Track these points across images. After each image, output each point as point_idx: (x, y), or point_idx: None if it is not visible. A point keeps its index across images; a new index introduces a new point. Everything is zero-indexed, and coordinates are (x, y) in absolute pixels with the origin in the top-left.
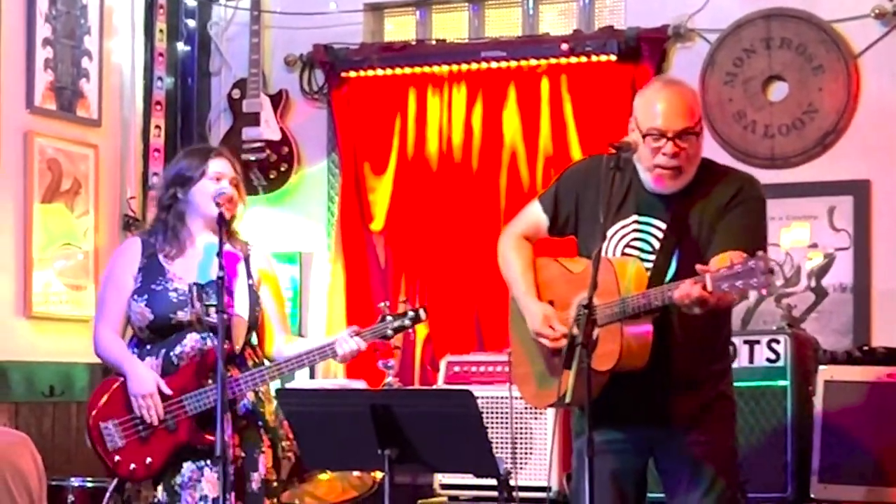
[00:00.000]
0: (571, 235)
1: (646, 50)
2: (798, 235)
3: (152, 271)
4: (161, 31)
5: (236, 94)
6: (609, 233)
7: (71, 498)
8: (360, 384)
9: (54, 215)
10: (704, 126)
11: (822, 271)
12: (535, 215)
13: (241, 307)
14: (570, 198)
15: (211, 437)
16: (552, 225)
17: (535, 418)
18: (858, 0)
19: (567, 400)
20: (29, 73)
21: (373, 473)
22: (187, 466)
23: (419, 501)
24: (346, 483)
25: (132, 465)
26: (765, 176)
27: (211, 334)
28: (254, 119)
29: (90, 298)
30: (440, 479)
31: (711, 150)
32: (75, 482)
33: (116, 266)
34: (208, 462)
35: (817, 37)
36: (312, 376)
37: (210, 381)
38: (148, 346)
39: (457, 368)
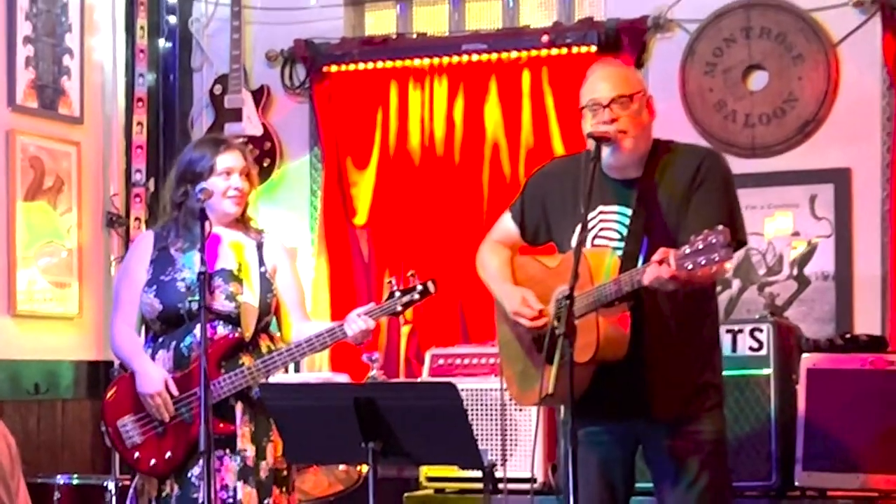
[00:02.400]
0: (549, 241)
1: (626, 41)
2: (780, 224)
3: (163, 263)
4: (142, 27)
5: (218, 89)
6: (578, 228)
7: (57, 495)
8: (343, 378)
9: (37, 213)
10: (650, 102)
11: (804, 260)
12: (506, 226)
13: (250, 294)
14: (537, 205)
15: (229, 427)
16: (523, 233)
17: (520, 410)
18: None
19: (550, 391)
20: (10, 71)
21: (358, 467)
22: None
23: (405, 495)
24: (332, 477)
25: (152, 461)
26: (746, 165)
27: (221, 322)
28: (236, 115)
29: (74, 296)
30: (426, 471)
31: (692, 139)
32: (61, 480)
33: (129, 261)
34: (228, 451)
35: (796, 25)
36: (297, 370)
37: (223, 371)
38: (160, 339)
39: (441, 361)
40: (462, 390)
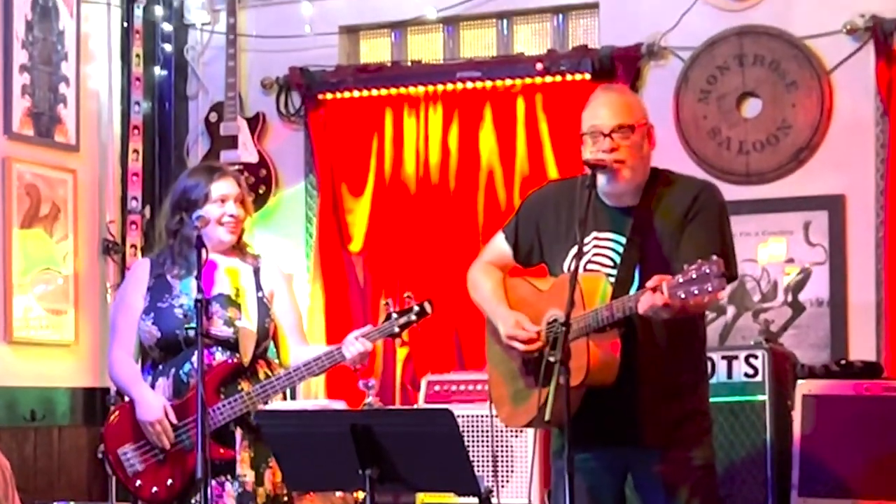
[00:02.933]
0: (541, 263)
1: (620, 68)
2: (774, 251)
3: (160, 290)
4: (137, 55)
5: (213, 117)
6: (572, 252)
7: None
8: (340, 405)
9: (34, 240)
10: (651, 132)
11: (799, 286)
12: (499, 247)
13: (249, 319)
14: (531, 227)
15: (229, 452)
16: (516, 254)
17: (516, 436)
18: (830, 16)
19: (546, 417)
20: (6, 99)
21: (355, 494)
22: None
23: None
24: (329, 503)
25: (154, 489)
26: (740, 192)
27: (219, 347)
28: (231, 142)
29: (70, 323)
30: (423, 498)
31: (687, 166)
32: None
33: (126, 288)
34: (228, 476)
35: (790, 53)
36: (294, 397)
37: (223, 396)
38: (160, 367)
39: (437, 387)
40: (458, 417)
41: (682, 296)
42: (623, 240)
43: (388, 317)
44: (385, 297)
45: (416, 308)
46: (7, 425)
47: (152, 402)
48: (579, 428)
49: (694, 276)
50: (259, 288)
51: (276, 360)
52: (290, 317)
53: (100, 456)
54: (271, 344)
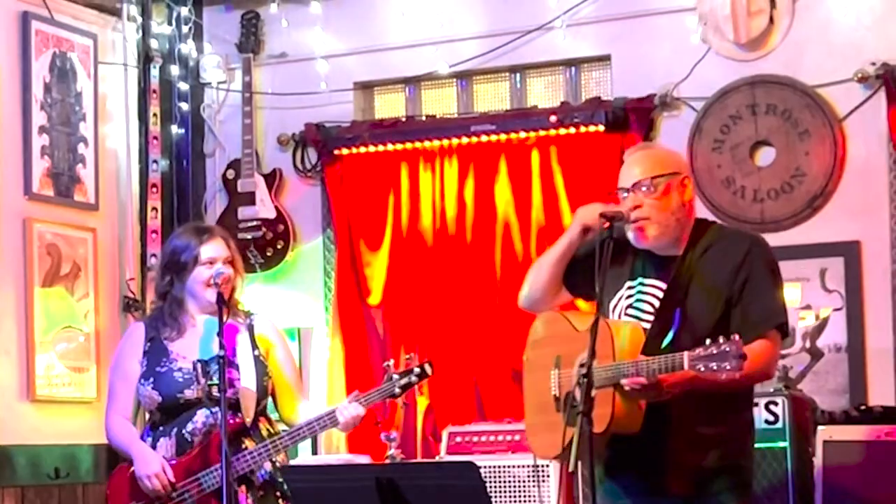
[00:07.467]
0: (581, 297)
1: (633, 119)
2: (791, 297)
3: (156, 354)
4: (155, 114)
5: (231, 174)
6: (619, 294)
7: None
8: (363, 459)
9: (55, 299)
10: (686, 184)
11: (817, 332)
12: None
13: (247, 379)
14: (589, 260)
15: None
16: (566, 276)
17: (538, 486)
18: (841, 65)
19: (570, 469)
20: (26, 160)
21: None
22: None
23: None
24: None
25: None
26: None
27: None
28: (249, 198)
29: (92, 380)
30: None
31: (702, 215)
32: None
33: (121, 353)
34: None
35: (802, 102)
36: (315, 452)
37: None
38: (161, 428)
39: (459, 439)
40: (480, 468)
41: (701, 368)
42: (663, 286)
43: (389, 378)
44: (405, 354)
45: (417, 370)
46: (31, 483)
47: (150, 457)
48: (611, 478)
49: (714, 352)
50: (255, 346)
51: (275, 416)
52: (287, 372)
53: None
54: (270, 400)
